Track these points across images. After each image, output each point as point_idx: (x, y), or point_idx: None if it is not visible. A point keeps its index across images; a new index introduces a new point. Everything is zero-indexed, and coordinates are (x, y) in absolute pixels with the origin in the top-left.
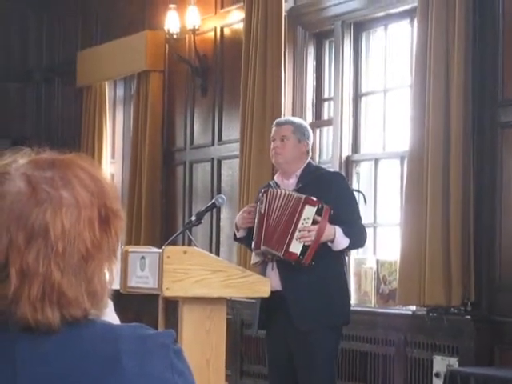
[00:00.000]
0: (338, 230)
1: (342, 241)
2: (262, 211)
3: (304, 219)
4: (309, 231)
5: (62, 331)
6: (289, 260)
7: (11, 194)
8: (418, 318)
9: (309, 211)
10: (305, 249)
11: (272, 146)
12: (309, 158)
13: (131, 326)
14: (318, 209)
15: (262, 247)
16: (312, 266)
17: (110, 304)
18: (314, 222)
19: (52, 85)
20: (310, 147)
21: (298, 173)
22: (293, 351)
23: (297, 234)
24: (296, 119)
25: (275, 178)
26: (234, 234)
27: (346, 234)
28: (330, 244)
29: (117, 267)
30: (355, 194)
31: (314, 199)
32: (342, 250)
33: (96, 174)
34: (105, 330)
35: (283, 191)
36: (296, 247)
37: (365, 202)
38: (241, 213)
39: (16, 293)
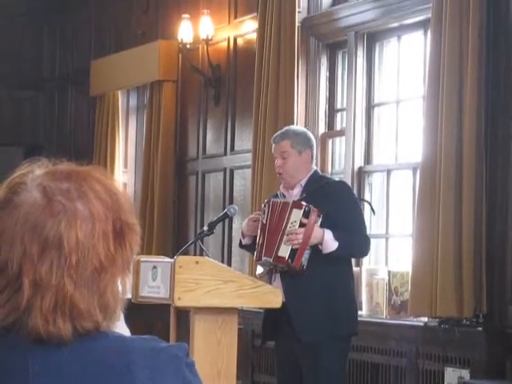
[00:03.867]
0: (328, 233)
1: (330, 244)
2: (264, 221)
3: (291, 222)
4: (296, 234)
5: (73, 343)
6: (280, 265)
7: (27, 205)
8: (429, 329)
9: (296, 214)
10: (293, 252)
11: (275, 164)
12: (314, 167)
13: (144, 339)
14: (304, 211)
15: (263, 258)
16: (304, 269)
17: (121, 315)
18: (302, 225)
19: (65, 93)
20: (315, 153)
21: (303, 182)
22: (299, 363)
23: (285, 237)
24: (293, 130)
25: (281, 188)
26: (240, 241)
27: (336, 237)
28: (320, 247)
29: (130, 280)
30: (363, 203)
31: (302, 202)
32: (332, 254)
33: (112, 187)
34: (117, 342)
35: (282, 201)
36: (284, 251)
37: (373, 212)
38: (247, 220)
39: (28, 304)
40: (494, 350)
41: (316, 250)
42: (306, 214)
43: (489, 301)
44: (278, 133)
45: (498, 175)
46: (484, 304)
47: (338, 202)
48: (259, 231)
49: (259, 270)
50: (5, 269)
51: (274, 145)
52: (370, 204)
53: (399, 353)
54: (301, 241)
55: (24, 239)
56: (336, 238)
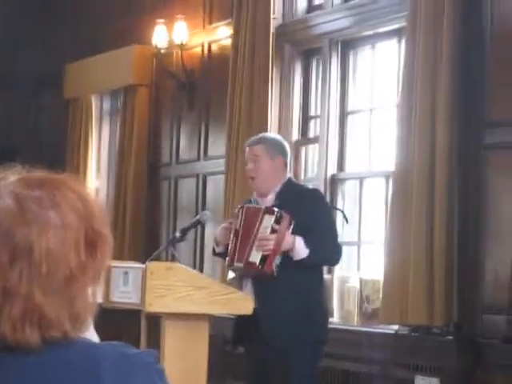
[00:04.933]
0: (299, 240)
1: (301, 250)
2: (237, 227)
3: (263, 228)
4: (267, 240)
5: (42, 351)
6: (251, 270)
7: None
8: (400, 337)
9: (267, 220)
10: (264, 258)
11: (246, 168)
12: (288, 174)
13: (113, 345)
14: (276, 217)
15: (235, 264)
16: (274, 274)
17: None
18: (273, 231)
19: (39, 96)
20: (289, 161)
21: (277, 189)
22: (268, 369)
23: (256, 243)
24: (268, 136)
25: (254, 194)
26: (213, 249)
27: (307, 244)
28: (290, 253)
29: (101, 290)
30: (336, 212)
31: (274, 209)
32: (303, 261)
33: (85, 196)
34: (86, 349)
35: (256, 206)
36: (255, 257)
37: (346, 221)
38: (220, 228)
39: None
40: (464, 358)
41: (287, 256)
42: (278, 220)
43: (460, 310)
44: (253, 138)
45: (470, 184)
46: (455, 313)
47: (310, 210)
48: (232, 236)
49: (230, 275)
50: None
51: (247, 149)
52: (342, 212)
53: (370, 360)
54: (272, 247)
55: None
56: (307, 245)
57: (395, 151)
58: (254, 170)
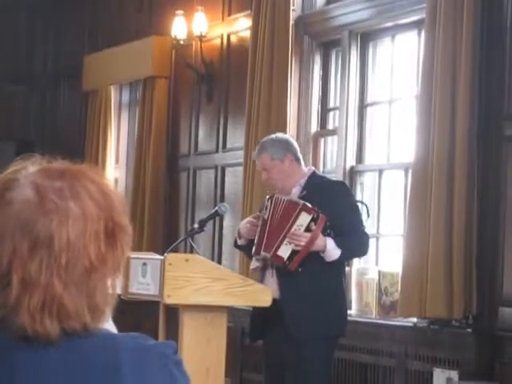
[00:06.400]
0: (330, 242)
1: (333, 252)
2: (266, 217)
3: (298, 225)
4: (300, 236)
5: (61, 342)
6: (276, 263)
7: (19, 202)
8: (419, 330)
9: (304, 218)
10: (293, 254)
11: (262, 178)
12: (311, 167)
13: (131, 336)
14: (313, 217)
15: (262, 253)
16: (299, 272)
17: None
18: (308, 230)
19: (58, 89)
20: (298, 153)
21: (302, 182)
22: (285, 360)
23: (288, 238)
24: (268, 141)
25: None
26: (235, 241)
27: (339, 245)
28: (322, 254)
29: (120, 281)
30: (359, 204)
31: (311, 207)
32: (336, 260)
33: (105, 188)
34: (104, 340)
35: (286, 198)
36: (284, 251)
37: (368, 215)
38: (246, 221)
39: (16, 301)
40: (483, 351)
41: (315, 252)
42: (315, 220)
43: (478, 302)
44: (256, 149)
45: (489, 176)
46: (474, 305)
47: (337, 202)
48: (260, 226)
49: (253, 264)
50: None
51: (256, 161)
52: (366, 206)
53: (388, 353)
54: (303, 244)
55: (15, 236)
56: (338, 245)
57: (414, 143)
58: (269, 178)
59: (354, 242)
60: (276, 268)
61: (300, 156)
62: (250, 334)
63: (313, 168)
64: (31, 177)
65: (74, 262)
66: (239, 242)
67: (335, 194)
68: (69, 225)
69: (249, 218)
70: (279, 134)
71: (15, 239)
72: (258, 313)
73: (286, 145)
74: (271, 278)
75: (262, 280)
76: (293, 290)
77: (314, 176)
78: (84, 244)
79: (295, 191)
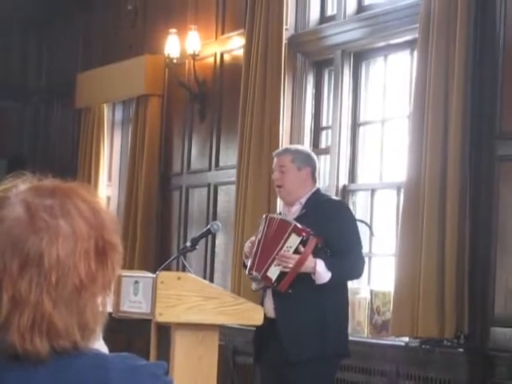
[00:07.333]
0: (320, 264)
1: (323, 275)
2: (259, 237)
3: (287, 246)
4: (288, 259)
5: (51, 361)
6: (266, 284)
7: (9, 220)
8: (410, 349)
9: (293, 240)
10: (281, 275)
11: (273, 177)
12: (316, 185)
13: (122, 356)
14: (302, 239)
15: (254, 273)
16: (289, 293)
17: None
18: (297, 252)
19: (50, 106)
20: (316, 172)
21: (303, 200)
22: (281, 380)
23: (277, 259)
24: (295, 147)
25: (282, 205)
26: (244, 263)
27: (330, 268)
28: (312, 277)
29: (111, 300)
30: (359, 224)
31: (302, 229)
32: (326, 284)
33: (96, 206)
34: (94, 360)
35: (279, 217)
36: (273, 272)
37: (371, 233)
38: (248, 241)
39: (6, 320)
40: (474, 371)
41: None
42: (304, 243)
43: (470, 322)
44: (280, 149)
45: (481, 196)
46: (465, 325)
47: (334, 220)
48: (254, 246)
49: (254, 285)
50: None
51: (275, 158)
52: (368, 225)
53: (380, 372)
54: (291, 266)
55: (5, 254)
56: (329, 267)
57: (407, 163)
58: (280, 179)
59: (347, 264)
60: (272, 288)
61: (317, 175)
62: (255, 355)
63: (317, 186)
64: (22, 195)
65: (63, 281)
66: (246, 263)
67: (333, 213)
68: (59, 243)
69: (252, 238)
70: (306, 147)
71: (5, 257)
72: (259, 333)
73: (310, 159)
74: (267, 299)
75: (262, 299)
76: (287, 310)
77: (316, 194)
78: (74, 262)
79: (296, 209)
